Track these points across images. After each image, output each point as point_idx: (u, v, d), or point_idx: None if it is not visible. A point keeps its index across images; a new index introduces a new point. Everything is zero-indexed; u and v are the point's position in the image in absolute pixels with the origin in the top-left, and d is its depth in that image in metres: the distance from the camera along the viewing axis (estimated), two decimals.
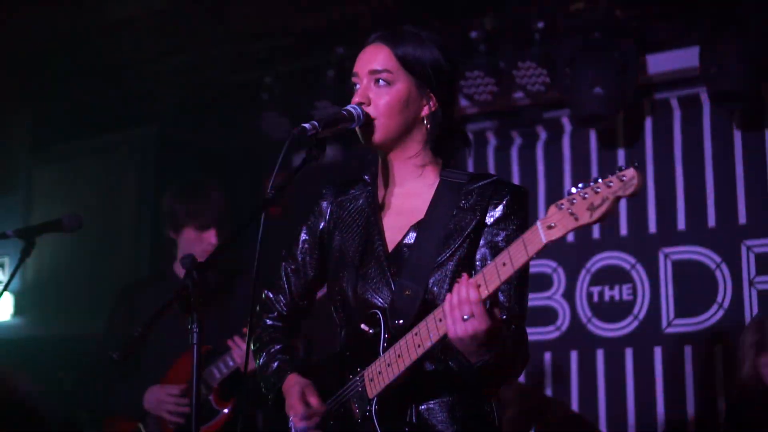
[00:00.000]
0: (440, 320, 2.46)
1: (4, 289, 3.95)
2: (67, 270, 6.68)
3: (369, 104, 2.74)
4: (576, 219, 2.22)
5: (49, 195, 6.97)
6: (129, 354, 2.21)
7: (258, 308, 3.02)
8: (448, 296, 2.42)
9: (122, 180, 6.76)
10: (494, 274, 2.37)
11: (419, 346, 2.51)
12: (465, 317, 2.37)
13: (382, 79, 2.74)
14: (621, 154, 5.84)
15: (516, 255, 2.34)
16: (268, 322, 2.99)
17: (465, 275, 2.42)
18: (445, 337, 2.46)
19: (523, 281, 2.71)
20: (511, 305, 2.66)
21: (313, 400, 2.70)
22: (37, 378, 6.20)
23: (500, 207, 2.72)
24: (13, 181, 7.24)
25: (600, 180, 2.20)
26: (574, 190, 2.23)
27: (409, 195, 2.82)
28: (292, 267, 2.97)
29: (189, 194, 4.71)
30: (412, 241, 2.74)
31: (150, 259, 6.40)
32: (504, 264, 2.35)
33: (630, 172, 2.16)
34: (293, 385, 2.77)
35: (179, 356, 4.51)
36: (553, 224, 2.26)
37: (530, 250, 2.31)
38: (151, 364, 4.58)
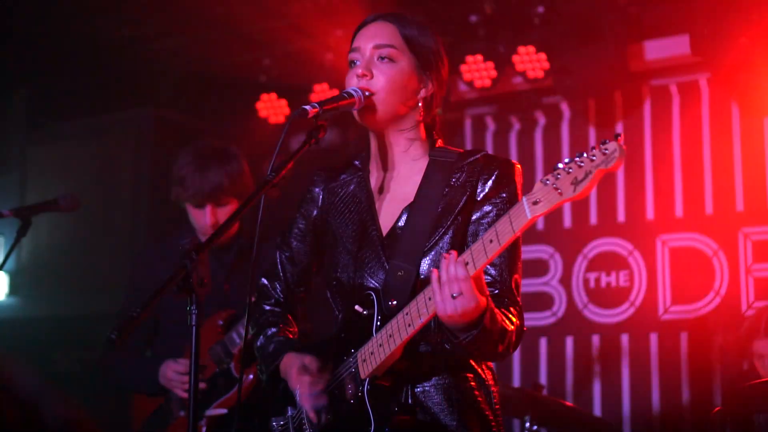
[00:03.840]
0: (430, 299, 2.46)
1: (0, 268, 3.94)
2: (62, 250, 6.67)
3: (371, 77, 2.72)
4: (560, 193, 2.22)
5: (45, 175, 6.95)
6: (127, 334, 2.19)
7: (256, 296, 3.02)
8: (434, 274, 2.42)
9: (118, 160, 6.74)
10: (481, 251, 2.37)
11: (409, 325, 2.51)
12: (454, 295, 2.38)
13: (387, 55, 2.73)
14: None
15: (502, 231, 2.33)
16: (266, 307, 2.99)
17: (454, 252, 2.42)
18: (435, 315, 2.46)
19: (515, 255, 2.70)
20: (503, 279, 2.67)
21: (314, 367, 2.70)
22: (31, 358, 6.21)
23: (490, 182, 2.72)
24: (9, 160, 7.21)
25: (585, 154, 2.19)
26: (561, 165, 2.23)
27: (401, 178, 2.82)
28: (287, 255, 2.97)
29: (188, 166, 4.37)
30: (404, 222, 2.74)
31: (146, 240, 6.38)
32: (491, 241, 2.35)
33: (612, 145, 2.15)
34: (291, 364, 2.77)
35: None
36: (538, 200, 2.25)
37: (516, 226, 2.31)
38: (169, 338, 4.43)
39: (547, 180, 2.24)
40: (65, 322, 6.42)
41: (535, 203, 2.26)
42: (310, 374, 2.69)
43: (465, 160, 2.76)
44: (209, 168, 4.32)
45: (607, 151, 2.15)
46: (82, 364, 6.08)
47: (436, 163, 2.78)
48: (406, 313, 2.53)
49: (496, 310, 2.52)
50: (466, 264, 2.39)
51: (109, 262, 6.45)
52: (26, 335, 6.50)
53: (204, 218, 4.32)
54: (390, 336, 2.56)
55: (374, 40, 2.75)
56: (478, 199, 2.71)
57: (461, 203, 2.70)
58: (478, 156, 2.77)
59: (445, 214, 2.70)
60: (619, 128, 5.84)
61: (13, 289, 6.91)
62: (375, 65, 2.74)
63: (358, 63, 2.76)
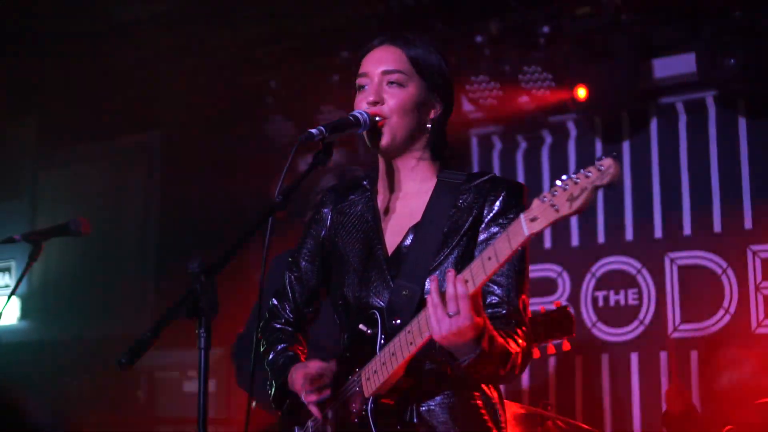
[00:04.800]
0: None
1: (12, 293, 3.96)
2: (73, 274, 6.70)
3: (383, 103, 2.73)
4: (557, 210, 2.22)
5: (55, 199, 6.99)
6: (137, 358, 2.20)
7: (267, 315, 3.04)
8: (429, 296, 2.41)
9: (128, 184, 6.78)
10: (480, 268, 2.36)
11: (411, 343, 2.50)
12: (451, 314, 2.37)
13: (395, 80, 2.75)
14: (627, 157, 5.84)
15: (501, 249, 2.32)
16: (276, 326, 3.01)
17: (452, 270, 2.41)
18: None
19: (522, 275, 2.70)
20: (510, 299, 2.65)
21: (314, 366, 2.71)
22: (42, 381, 6.22)
23: (497, 203, 2.72)
24: (19, 185, 7.25)
25: (580, 171, 2.20)
26: (558, 182, 2.24)
27: (409, 198, 2.83)
28: (296, 275, 2.99)
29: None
30: (410, 242, 2.75)
31: (156, 262, 6.41)
32: (489, 258, 2.34)
33: (607, 161, 2.16)
34: (297, 369, 2.78)
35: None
36: (535, 217, 2.26)
37: (513, 243, 2.30)
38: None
39: (545, 197, 2.25)
40: (76, 345, 6.44)
41: (532, 220, 2.27)
42: (314, 370, 2.70)
43: (472, 182, 2.77)
44: None
45: (602, 167, 2.16)
46: (93, 387, 6.09)
47: (443, 184, 2.79)
48: (408, 332, 2.52)
49: (498, 332, 2.50)
50: (466, 282, 2.38)
51: (120, 286, 6.48)
52: (37, 359, 6.52)
53: None
54: (393, 354, 2.55)
55: (383, 65, 2.76)
56: (486, 220, 2.71)
57: (467, 224, 2.71)
58: (486, 178, 2.78)
59: (450, 234, 2.70)
60: (626, 147, 5.86)
61: (25, 313, 6.94)
62: (385, 90, 2.74)
63: (366, 88, 2.77)
